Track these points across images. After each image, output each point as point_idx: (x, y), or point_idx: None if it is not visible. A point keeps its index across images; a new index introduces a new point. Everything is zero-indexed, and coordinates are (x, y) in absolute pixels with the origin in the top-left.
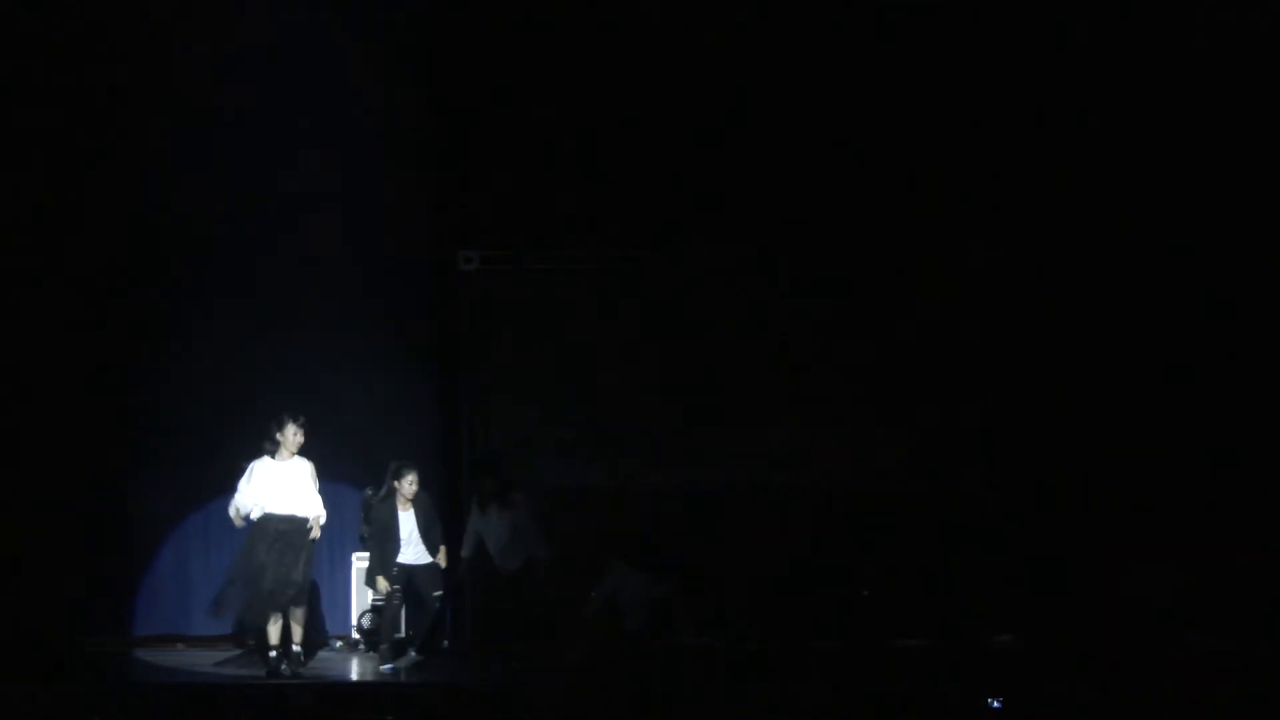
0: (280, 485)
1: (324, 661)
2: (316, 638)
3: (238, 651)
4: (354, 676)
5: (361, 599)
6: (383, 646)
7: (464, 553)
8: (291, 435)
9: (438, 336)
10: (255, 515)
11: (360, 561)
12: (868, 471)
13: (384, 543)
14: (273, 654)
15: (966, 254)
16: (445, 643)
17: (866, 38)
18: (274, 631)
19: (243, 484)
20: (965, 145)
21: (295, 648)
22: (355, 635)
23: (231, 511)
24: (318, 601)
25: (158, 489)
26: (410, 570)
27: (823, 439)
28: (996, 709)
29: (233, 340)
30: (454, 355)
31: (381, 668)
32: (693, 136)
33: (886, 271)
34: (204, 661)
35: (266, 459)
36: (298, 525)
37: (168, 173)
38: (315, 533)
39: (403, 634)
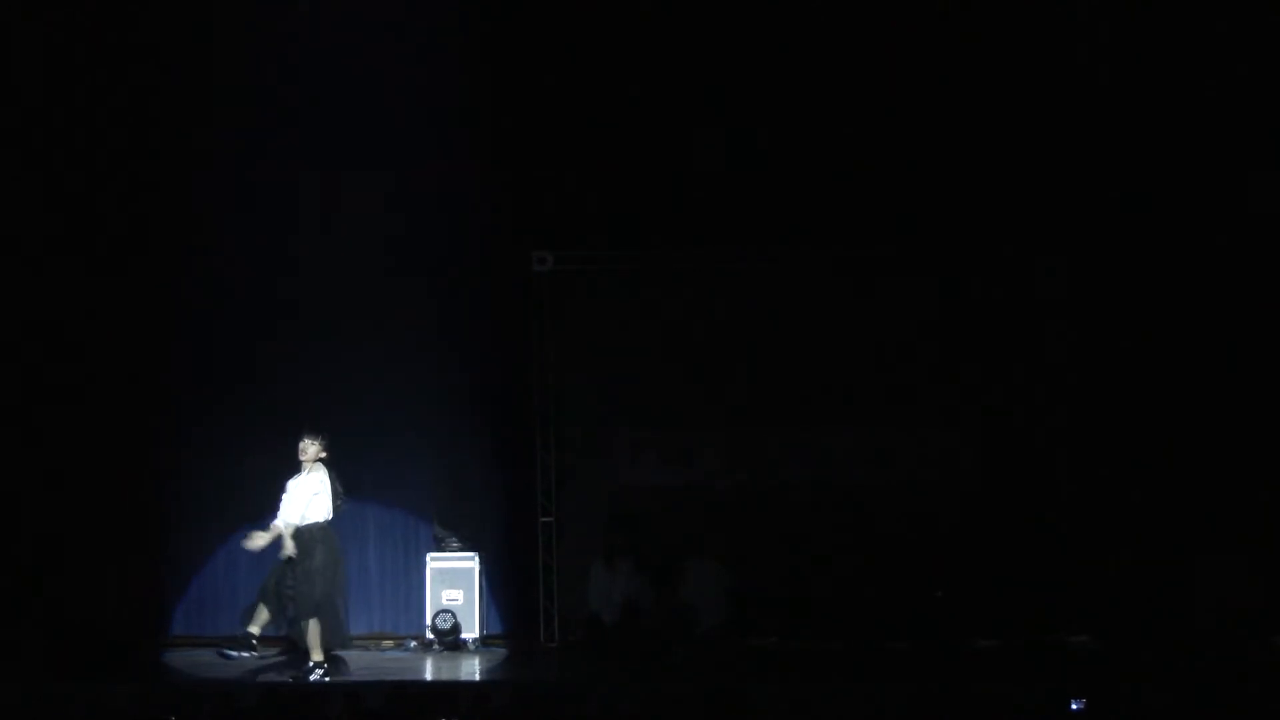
0: (290, 496)
1: (399, 661)
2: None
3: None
4: (429, 676)
5: (436, 599)
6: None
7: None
8: (301, 446)
9: (511, 337)
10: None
11: (435, 563)
12: (943, 472)
13: None
14: (320, 660)
15: (1046, 256)
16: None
17: (953, 40)
18: (313, 640)
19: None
20: (1039, 148)
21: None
22: (430, 635)
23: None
24: (338, 612)
25: (236, 492)
26: None
27: (899, 439)
28: (1078, 710)
29: (301, 344)
30: (527, 356)
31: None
32: (765, 139)
33: (963, 273)
34: (279, 662)
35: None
36: (300, 536)
37: (229, 176)
38: (270, 542)
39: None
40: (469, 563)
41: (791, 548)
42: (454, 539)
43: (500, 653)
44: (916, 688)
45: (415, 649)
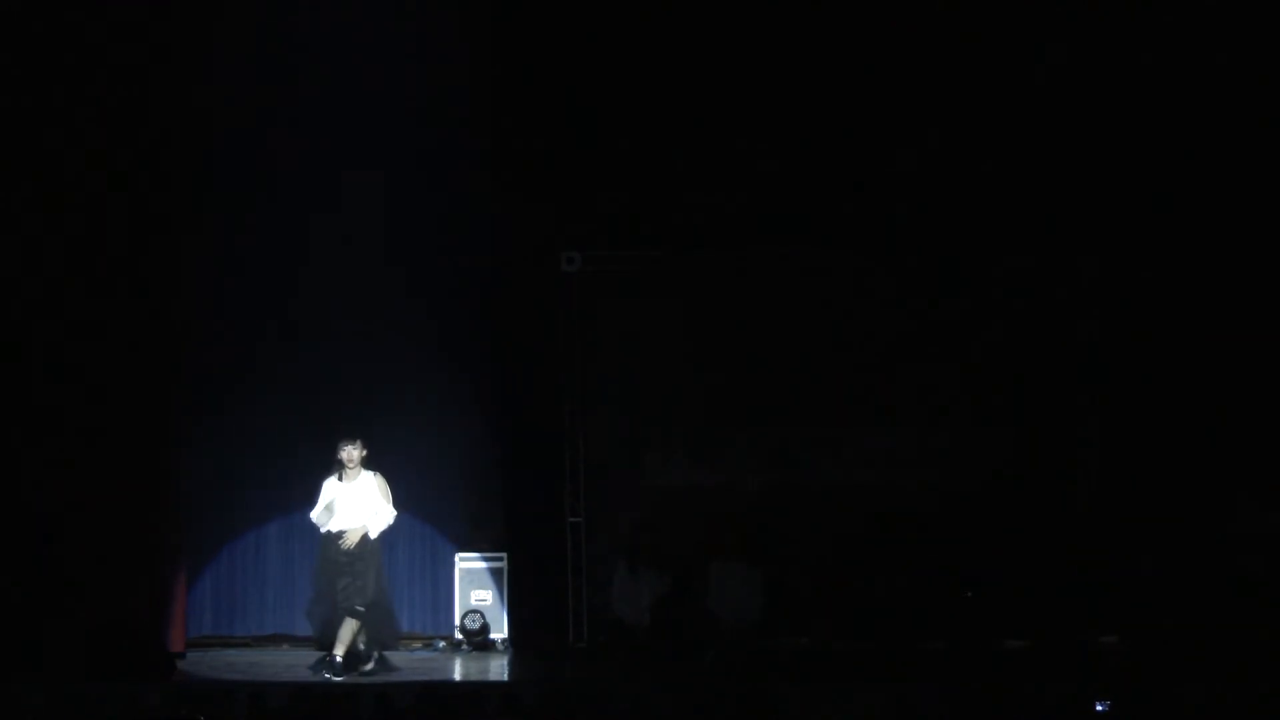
0: (343, 503)
1: (428, 662)
2: (387, 643)
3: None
4: (458, 677)
5: (465, 599)
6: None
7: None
8: (346, 455)
9: (540, 337)
10: (322, 530)
11: (464, 563)
12: (975, 472)
13: None
14: (338, 659)
15: (1079, 254)
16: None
17: (974, 42)
18: (345, 637)
19: (320, 501)
20: (1071, 144)
21: (364, 649)
22: (459, 636)
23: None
24: (390, 613)
25: (267, 492)
26: None
27: (930, 439)
28: (1102, 711)
29: (328, 347)
30: (556, 357)
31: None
32: (793, 139)
33: (988, 272)
34: (308, 661)
35: (333, 479)
36: (360, 542)
37: (248, 171)
38: (349, 541)
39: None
40: (498, 563)
41: (822, 548)
42: (483, 539)
43: (529, 653)
44: (946, 688)
45: (444, 649)
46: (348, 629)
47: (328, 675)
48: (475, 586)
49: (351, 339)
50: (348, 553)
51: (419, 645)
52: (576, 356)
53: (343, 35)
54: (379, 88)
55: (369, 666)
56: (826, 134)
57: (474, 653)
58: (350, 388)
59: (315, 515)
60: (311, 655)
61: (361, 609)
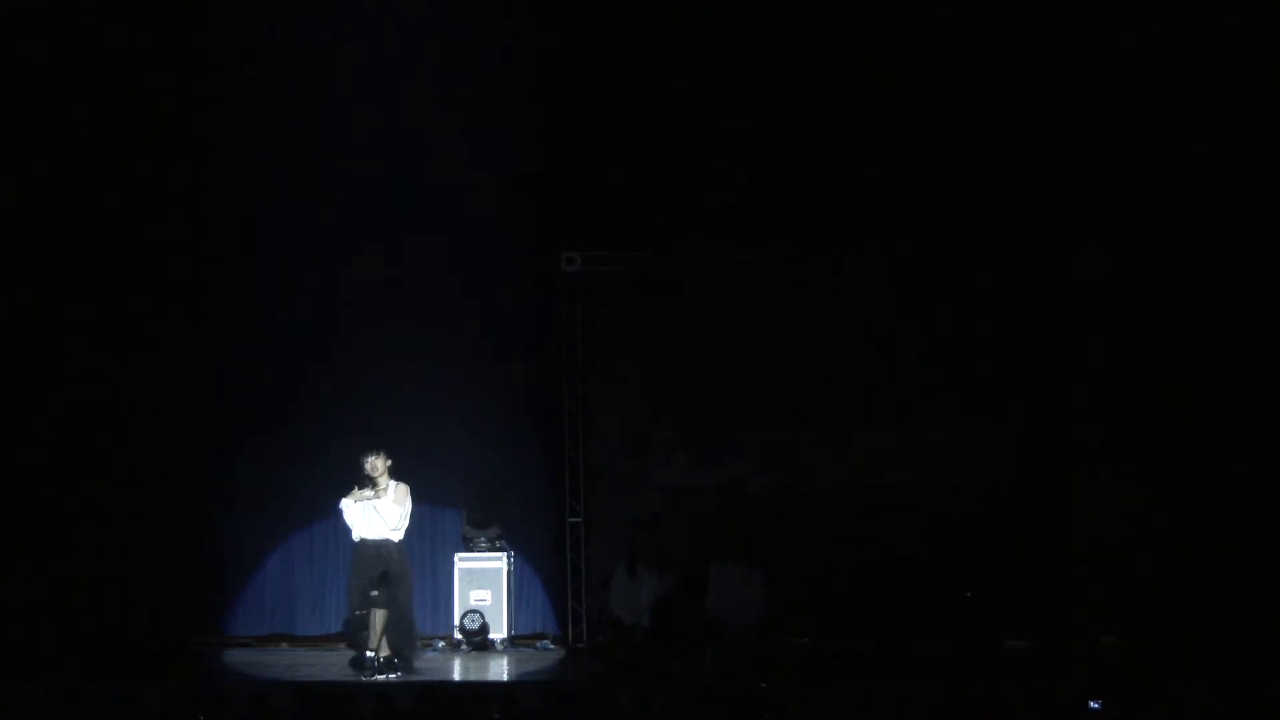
0: (369, 513)
1: (427, 662)
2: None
3: (351, 652)
4: (457, 676)
5: (464, 599)
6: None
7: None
8: (370, 465)
9: (540, 338)
10: (354, 537)
11: (464, 563)
12: (974, 472)
13: None
14: (369, 654)
15: (1073, 256)
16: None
17: (970, 40)
18: (378, 627)
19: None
20: (1072, 143)
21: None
22: (458, 636)
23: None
24: (409, 612)
25: (264, 492)
26: None
27: (930, 439)
28: (1096, 709)
29: (330, 347)
30: (556, 357)
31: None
32: (792, 140)
33: (990, 273)
34: (308, 661)
35: (358, 489)
36: (385, 547)
37: (263, 178)
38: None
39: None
40: (497, 563)
41: (823, 548)
42: (482, 539)
43: (528, 653)
44: (946, 688)
45: (443, 649)
46: (379, 620)
47: (362, 675)
48: (475, 586)
49: (350, 341)
50: (380, 560)
51: (418, 645)
52: (577, 356)
53: (347, 41)
54: (384, 97)
55: (394, 676)
56: (826, 134)
57: (474, 653)
58: (349, 389)
59: (346, 511)
60: (310, 655)
61: (376, 595)
